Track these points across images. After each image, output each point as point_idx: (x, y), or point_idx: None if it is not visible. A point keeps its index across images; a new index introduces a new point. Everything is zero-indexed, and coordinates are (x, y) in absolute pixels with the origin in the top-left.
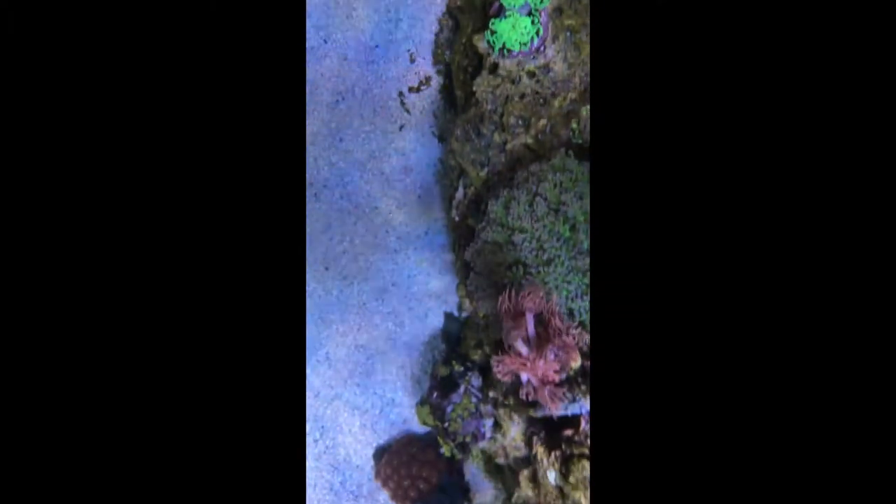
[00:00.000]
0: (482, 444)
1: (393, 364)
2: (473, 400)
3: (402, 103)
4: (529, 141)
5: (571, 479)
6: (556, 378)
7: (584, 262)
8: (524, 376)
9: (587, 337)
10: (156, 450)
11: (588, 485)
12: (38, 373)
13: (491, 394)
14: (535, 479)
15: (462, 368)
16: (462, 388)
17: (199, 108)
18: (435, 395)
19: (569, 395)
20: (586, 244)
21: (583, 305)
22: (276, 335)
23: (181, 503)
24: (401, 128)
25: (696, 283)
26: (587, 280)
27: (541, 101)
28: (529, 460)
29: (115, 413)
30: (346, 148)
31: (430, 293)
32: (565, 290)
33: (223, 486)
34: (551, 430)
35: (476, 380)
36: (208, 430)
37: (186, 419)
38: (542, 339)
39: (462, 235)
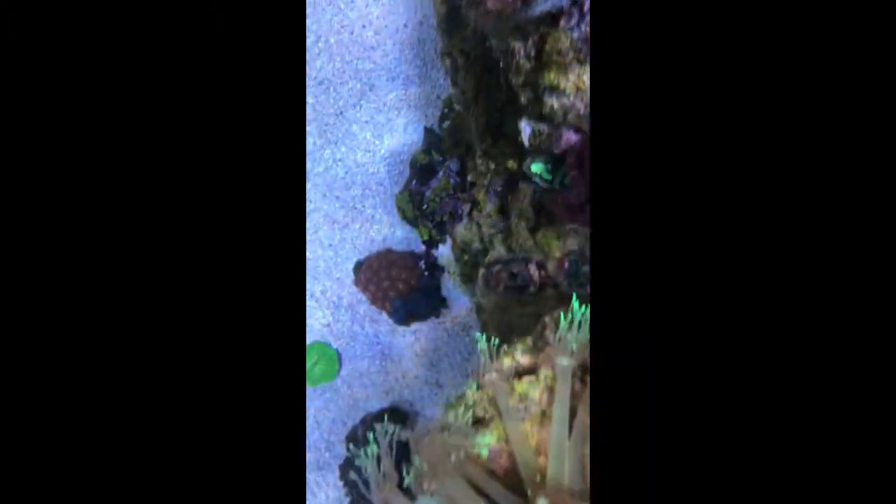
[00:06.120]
0: (460, 228)
1: (372, 179)
2: (451, 181)
3: None
4: None
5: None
6: None
7: None
8: None
9: None
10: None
11: None
12: (35, 373)
13: (469, 177)
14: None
15: (441, 158)
16: (441, 173)
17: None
18: (414, 182)
19: None
20: None
21: None
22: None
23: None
24: None
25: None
26: None
27: None
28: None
29: (113, 381)
30: None
31: (410, 102)
32: None
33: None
34: None
35: (454, 164)
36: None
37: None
38: None
39: None
